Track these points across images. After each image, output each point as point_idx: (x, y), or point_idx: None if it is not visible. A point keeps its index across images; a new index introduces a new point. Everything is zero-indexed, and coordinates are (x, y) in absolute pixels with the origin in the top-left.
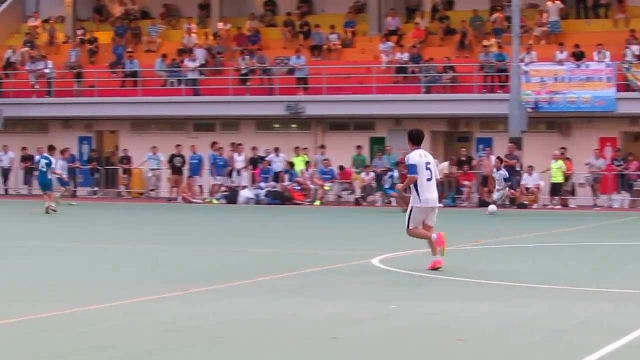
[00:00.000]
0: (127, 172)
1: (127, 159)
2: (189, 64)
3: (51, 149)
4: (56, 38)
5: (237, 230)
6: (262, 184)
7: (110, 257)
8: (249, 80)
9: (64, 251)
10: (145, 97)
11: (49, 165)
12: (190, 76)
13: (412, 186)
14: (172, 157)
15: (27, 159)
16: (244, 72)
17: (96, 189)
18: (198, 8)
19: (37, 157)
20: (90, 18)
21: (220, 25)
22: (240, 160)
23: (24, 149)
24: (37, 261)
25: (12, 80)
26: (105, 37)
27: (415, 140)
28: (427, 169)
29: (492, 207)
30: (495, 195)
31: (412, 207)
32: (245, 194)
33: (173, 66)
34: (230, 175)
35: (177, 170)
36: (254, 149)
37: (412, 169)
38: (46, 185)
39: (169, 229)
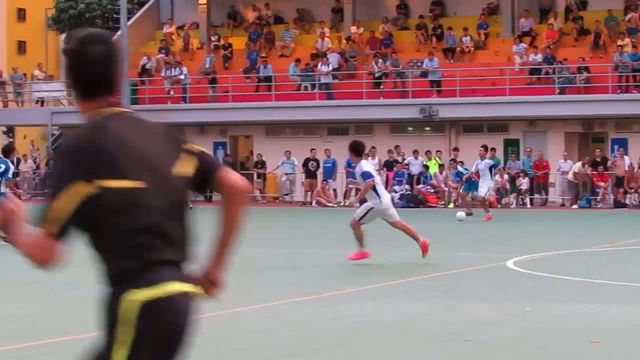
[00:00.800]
0: (262, 176)
1: (261, 164)
2: (322, 68)
3: None
4: (190, 44)
5: (370, 233)
6: (396, 187)
7: (244, 261)
8: (382, 84)
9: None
10: (279, 101)
11: None
12: (324, 80)
13: (371, 191)
14: (306, 161)
15: None
16: (377, 75)
17: None
18: (331, 12)
19: None
20: (224, 24)
21: (353, 28)
22: (375, 164)
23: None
24: None
25: (147, 87)
26: (239, 42)
27: (359, 151)
28: (378, 174)
29: (460, 214)
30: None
31: (371, 207)
32: None
33: (306, 70)
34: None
35: (311, 174)
36: (391, 151)
37: (368, 174)
38: None
39: (303, 233)
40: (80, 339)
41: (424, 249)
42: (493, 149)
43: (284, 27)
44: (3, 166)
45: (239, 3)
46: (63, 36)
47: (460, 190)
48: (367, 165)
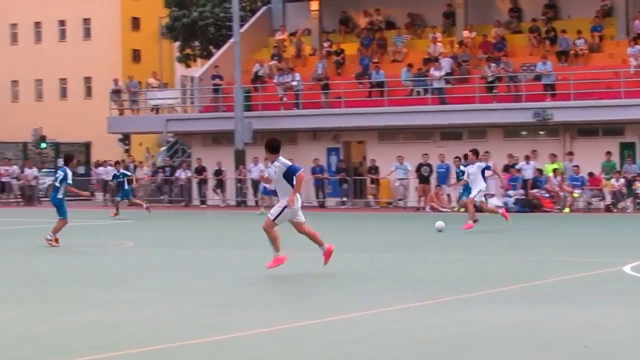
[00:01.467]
0: (375, 181)
1: (374, 169)
2: (434, 72)
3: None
4: (303, 50)
5: (482, 239)
6: (510, 192)
7: (357, 266)
8: (495, 88)
9: (318, 261)
10: (391, 107)
11: None
12: (436, 85)
13: (288, 187)
14: (420, 166)
15: None
16: (490, 79)
17: (344, 199)
18: (443, 16)
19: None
20: (336, 30)
21: (466, 33)
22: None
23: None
24: (288, 270)
25: (260, 94)
26: (351, 48)
27: (275, 149)
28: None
29: (440, 224)
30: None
31: (285, 206)
32: (493, 201)
33: (419, 75)
34: None
35: (424, 179)
36: (510, 156)
37: (295, 168)
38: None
39: (416, 238)
40: (199, 343)
41: (327, 255)
42: (609, 153)
43: (396, 32)
44: (62, 174)
45: (350, 9)
46: (176, 44)
47: (463, 198)
48: (287, 162)
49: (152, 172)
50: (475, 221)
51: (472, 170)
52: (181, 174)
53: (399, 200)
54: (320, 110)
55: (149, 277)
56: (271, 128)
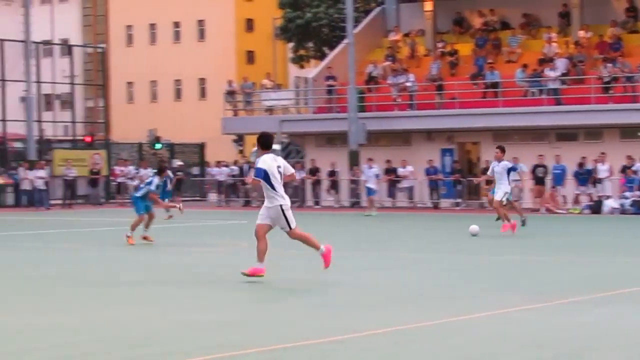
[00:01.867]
0: (490, 183)
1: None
2: (549, 73)
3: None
4: (417, 51)
5: (600, 240)
6: (627, 194)
7: (476, 268)
8: (611, 88)
9: (435, 262)
10: (506, 107)
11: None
12: (551, 85)
13: (271, 188)
14: (535, 167)
15: (390, 171)
16: (606, 80)
17: (459, 200)
18: (558, 16)
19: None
20: (450, 30)
21: (581, 33)
22: (603, 170)
23: (388, 161)
24: (407, 271)
25: (374, 94)
26: (465, 48)
27: (265, 144)
28: (279, 172)
29: (474, 228)
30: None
31: (281, 206)
32: (609, 203)
33: (534, 76)
34: (594, 184)
35: (539, 181)
36: (629, 157)
37: (259, 172)
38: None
39: (531, 240)
40: (317, 343)
41: (327, 257)
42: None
43: (511, 32)
44: (150, 180)
45: (465, 9)
46: (290, 45)
47: (489, 194)
48: (266, 161)
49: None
50: (508, 220)
51: (498, 169)
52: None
53: (514, 201)
54: (434, 111)
55: (264, 277)
56: (385, 129)
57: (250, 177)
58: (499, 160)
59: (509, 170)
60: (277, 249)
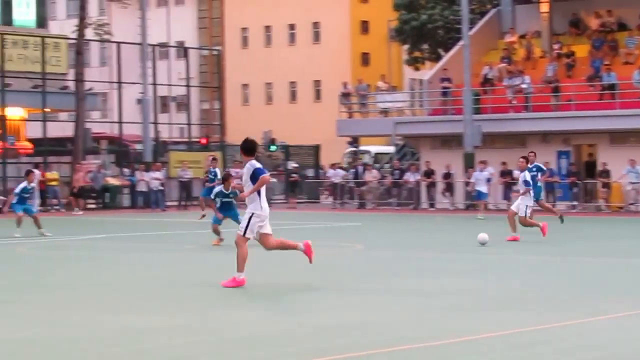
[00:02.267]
0: (606, 185)
1: (605, 173)
2: None
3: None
4: (533, 53)
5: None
6: None
7: (586, 271)
8: None
9: (537, 265)
10: (623, 109)
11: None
12: None
13: (257, 193)
14: None
15: (506, 173)
16: None
17: (575, 203)
18: None
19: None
20: (566, 32)
21: None
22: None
23: (503, 163)
24: (510, 274)
25: (489, 96)
26: (581, 50)
27: (250, 151)
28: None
29: (483, 236)
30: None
31: (252, 214)
32: None
33: None
34: None
35: None
36: None
37: (261, 170)
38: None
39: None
40: (433, 346)
41: (309, 251)
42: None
43: (628, 33)
44: (219, 189)
45: (581, 10)
46: (405, 47)
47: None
48: (255, 162)
49: (382, 175)
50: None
51: (521, 180)
52: (410, 177)
53: (631, 204)
54: (550, 113)
55: (380, 278)
56: (500, 131)
57: (267, 176)
58: (522, 170)
59: (533, 176)
60: (396, 252)
